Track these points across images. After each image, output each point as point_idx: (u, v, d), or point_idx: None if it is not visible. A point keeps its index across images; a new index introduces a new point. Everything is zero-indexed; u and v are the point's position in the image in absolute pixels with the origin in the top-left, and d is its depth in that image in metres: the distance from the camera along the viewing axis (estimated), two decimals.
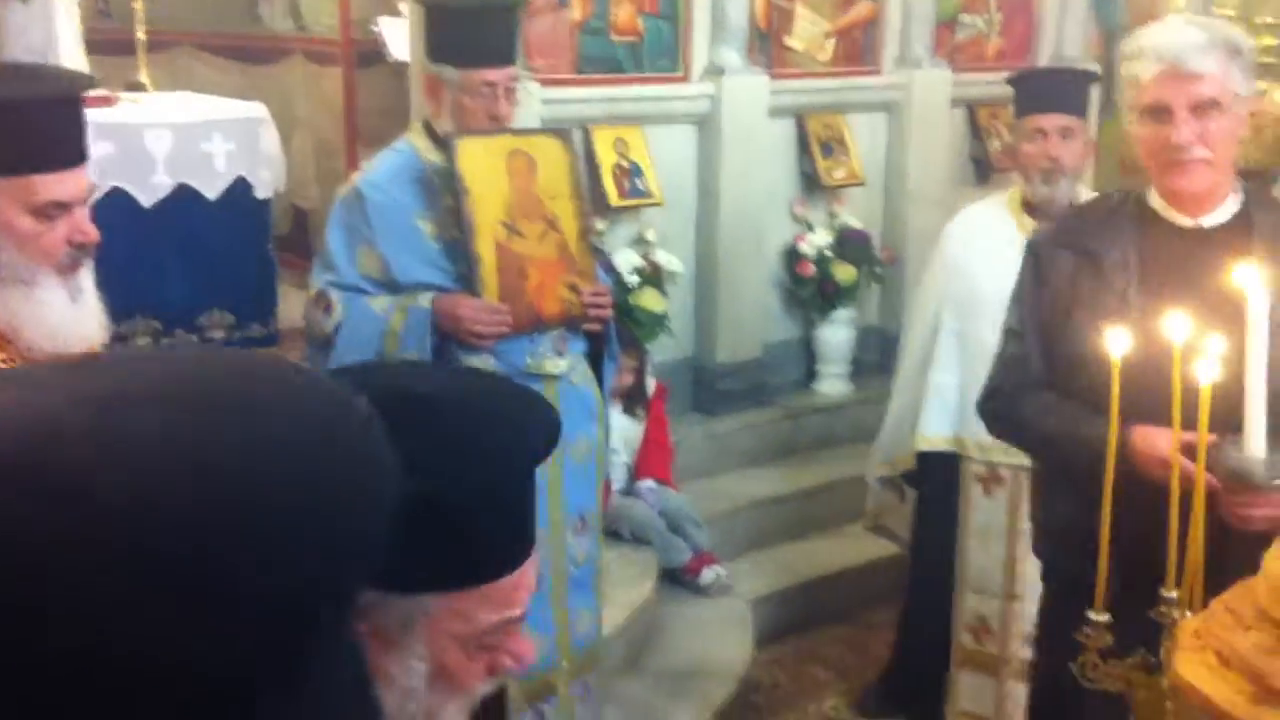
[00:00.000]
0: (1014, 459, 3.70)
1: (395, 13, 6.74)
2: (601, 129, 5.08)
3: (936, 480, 3.92)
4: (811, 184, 5.69)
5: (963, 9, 6.20)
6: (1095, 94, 4.22)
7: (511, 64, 3.19)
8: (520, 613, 1.17)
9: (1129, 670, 1.77)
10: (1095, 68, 5.17)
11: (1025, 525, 3.75)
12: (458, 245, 3.16)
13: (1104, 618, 1.84)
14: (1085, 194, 3.74)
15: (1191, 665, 1.46)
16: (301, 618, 0.51)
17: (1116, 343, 1.86)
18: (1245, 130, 2.47)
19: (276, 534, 0.51)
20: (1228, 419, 1.98)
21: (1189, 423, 1.87)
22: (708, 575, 4.72)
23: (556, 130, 3.45)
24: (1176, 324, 1.84)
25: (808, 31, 5.71)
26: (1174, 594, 1.78)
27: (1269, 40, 4.75)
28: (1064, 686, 2.08)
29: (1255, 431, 1.98)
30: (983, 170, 6.08)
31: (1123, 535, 1.99)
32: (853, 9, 5.82)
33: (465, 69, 3.11)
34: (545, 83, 4.86)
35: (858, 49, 5.88)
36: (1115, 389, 1.84)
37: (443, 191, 3.17)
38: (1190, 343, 1.87)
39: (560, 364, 3.27)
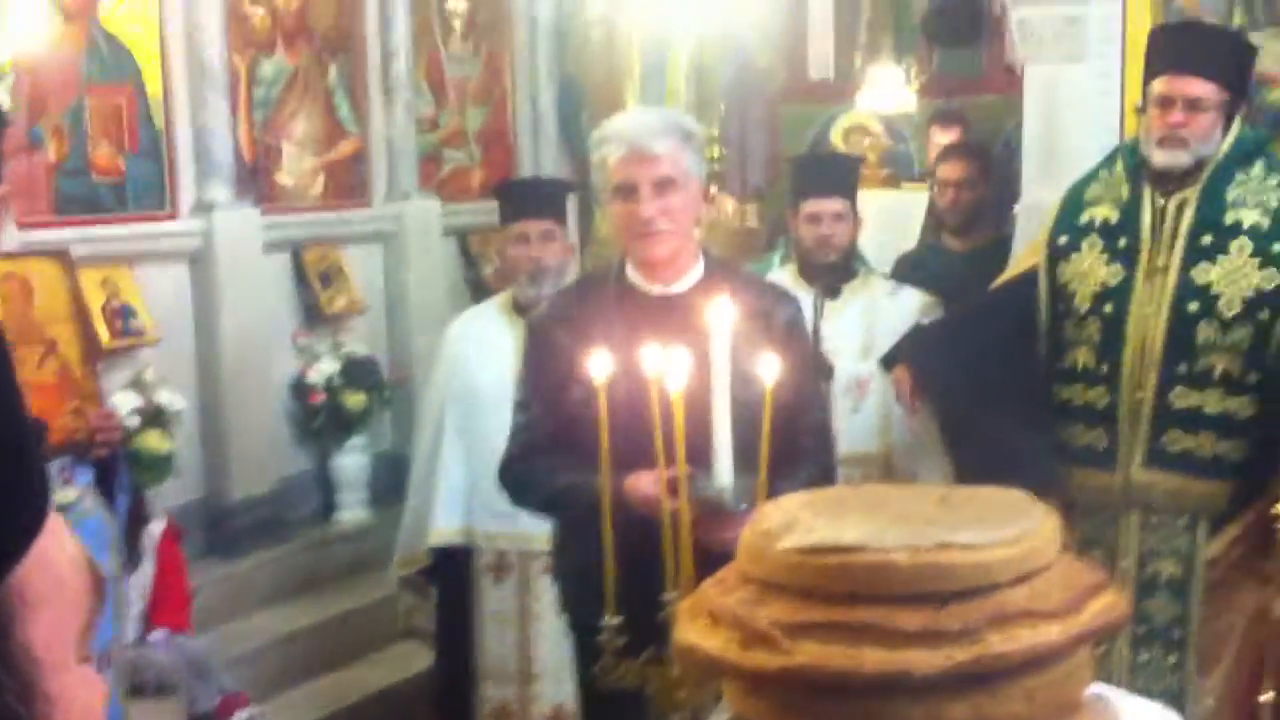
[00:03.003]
0: (520, 545, 3.91)
1: None
2: (88, 270, 4.90)
3: (451, 574, 4.04)
4: (314, 314, 5.75)
5: (444, 144, 6.55)
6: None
7: None
8: None
9: (642, 666, 1.95)
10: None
11: (536, 607, 3.96)
12: None
13: (616, 620, 2.02)
14: None
15: (689, 630, 1.63)
16: None
17: (600, 367, 2.08)
18: (702, 208, 2.82)
19: None
20: (708, 455, 2.23)
21: (676, 461, 2.11)
22: (240, 717, 4.55)
23: (54, 251, 3.34)
24: (652, 357, 2.08)
25: (296, 167, 5.82)
26: (673, 595, 1.99)
27: (715, 151, 5.37)
28: None
29: (722, 464, 2.24)
30: (479, 293, 6.37)
31: (629, 567, 2.19)
32: (338, 145, 6.00)
33: None
34: (23, 225, 4.66)
35: (349, 183, 6.05)
36: (603, 413, 2.05)
37: None
38: (665, 383, 2.10)
39: (69, 493, 3.13)
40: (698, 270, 2.77)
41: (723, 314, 2.07)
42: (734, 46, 7.17)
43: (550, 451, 2.73)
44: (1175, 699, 3.27)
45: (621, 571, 2.14)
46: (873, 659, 1.51)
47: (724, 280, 2.62)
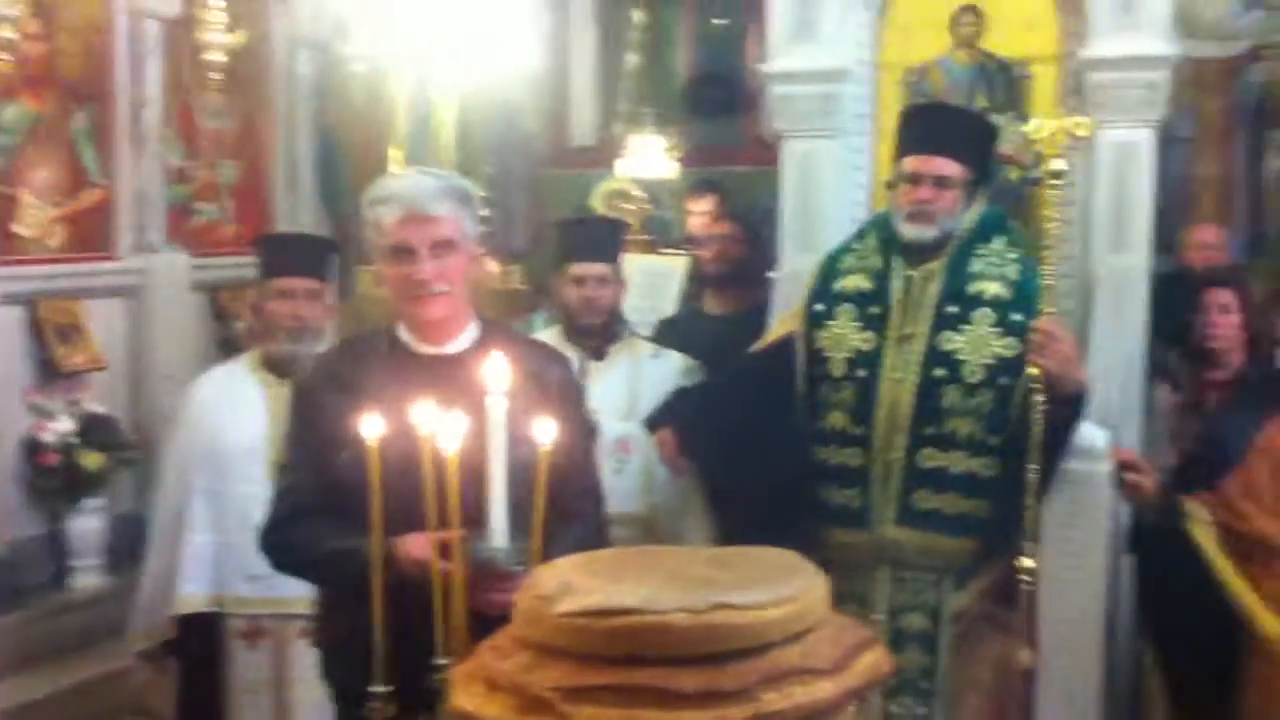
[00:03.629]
0: (275, 609, 3.77)
1: None
2: None
3: (199, 644, 3.85)
4: (49, 371, 5.45)
5: (195, 196, 6.34)
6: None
7: None
8: None
9: None
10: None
11: (292, 675, 3.82)
12: None
13: (385, 689, 1.96)
14: None
15: (465, 696, 1.61)
16: None
17: (370, 428, 2.03)
18: (478, 268, 2.80)
19: None
20: (482, 517, 2.20)
21: (449, 523, 2.08)
22: None
23: None
24: (424, 416, 2.04)
25: (35, 217, 5.53)
26: (445, 661, 1.95)
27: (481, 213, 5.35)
28: None
29: (497, 525, 2.21)
30: (228, 350, 6.16)
31: (398, 632, 2.13)
32: (80, 195, 5.73)
33: None
34: None
35: (93, 234, 5.78)
36: (374, 475, 2.00)
37: None
38: (439, 444, 2.06)
39: None
40: (472, 331, 2.76)
41: (498, 374, 2.06)
42: (499, 110, 7.20)
43: (317, 515, 2.64)
44: None
45: (390, 637, 2.07)
46: None
47: (498, 341, 2.61)
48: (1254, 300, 4.31)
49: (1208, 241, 5.89)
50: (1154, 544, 3.35)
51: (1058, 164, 3.09)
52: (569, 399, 2.80)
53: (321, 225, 6.80)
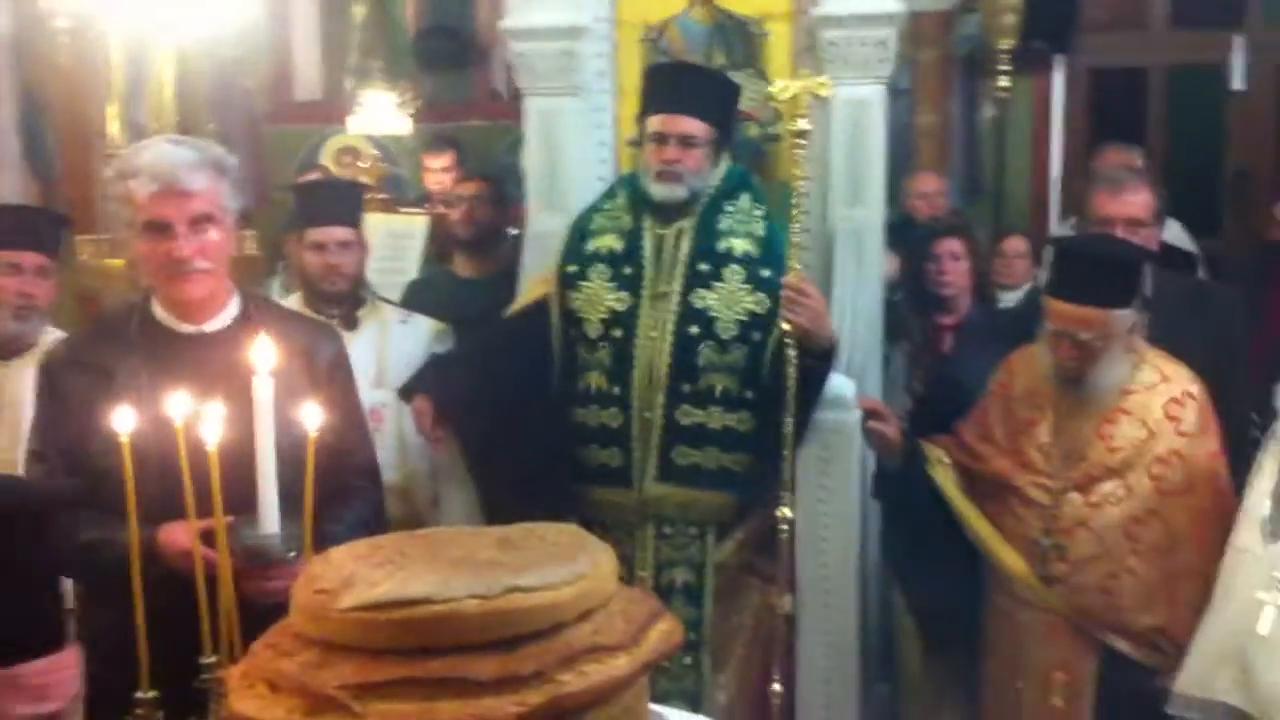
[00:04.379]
0: None
1: None
2: None
3: None
4: None
5: None
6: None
7: None
8: (53, 708, 0.97)
9: None
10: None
11: None
12: None
13: (151, 694, 1.87)
14: (54, 333, 3.72)
15: (247, 699, 1.53)
16: None
17: (126, 413, 1.91)
18: (237, 243, 2.67)
19: None
20: (250, 502, 2.10)
21: (211, 510, 1.97)
22: None
23: None
24: (177, 404, 1.93)
25: None
26: (213, 659, 1.85)
27: None
28: None
29: (268, 511, 2.12)
30: None
31: (163, 629, 2.02)
32: None
33: None
34: None
35: None
36: (128, 462, 1.89)
37: None
38: (198, 426, 1.96)
39: None
40: (233, 307, 2.63)
41: (264, 353, 1.96)
42: (217, 64, 6.87)
43: (70, 507, 2.48)
44: (693, 697, 3.46)
45: (156, 635, 1.96)
46: (449, 712, 1.47)
47: (262, 317, 2.50)
48: (979, 248, 4.56)
49: (928, 190, 6.16)
50: (897, 488, 3.49)
51: (802, 124, 3.15)
52: (341, 376, 2.73)
53: (27, 190, 6.38)
